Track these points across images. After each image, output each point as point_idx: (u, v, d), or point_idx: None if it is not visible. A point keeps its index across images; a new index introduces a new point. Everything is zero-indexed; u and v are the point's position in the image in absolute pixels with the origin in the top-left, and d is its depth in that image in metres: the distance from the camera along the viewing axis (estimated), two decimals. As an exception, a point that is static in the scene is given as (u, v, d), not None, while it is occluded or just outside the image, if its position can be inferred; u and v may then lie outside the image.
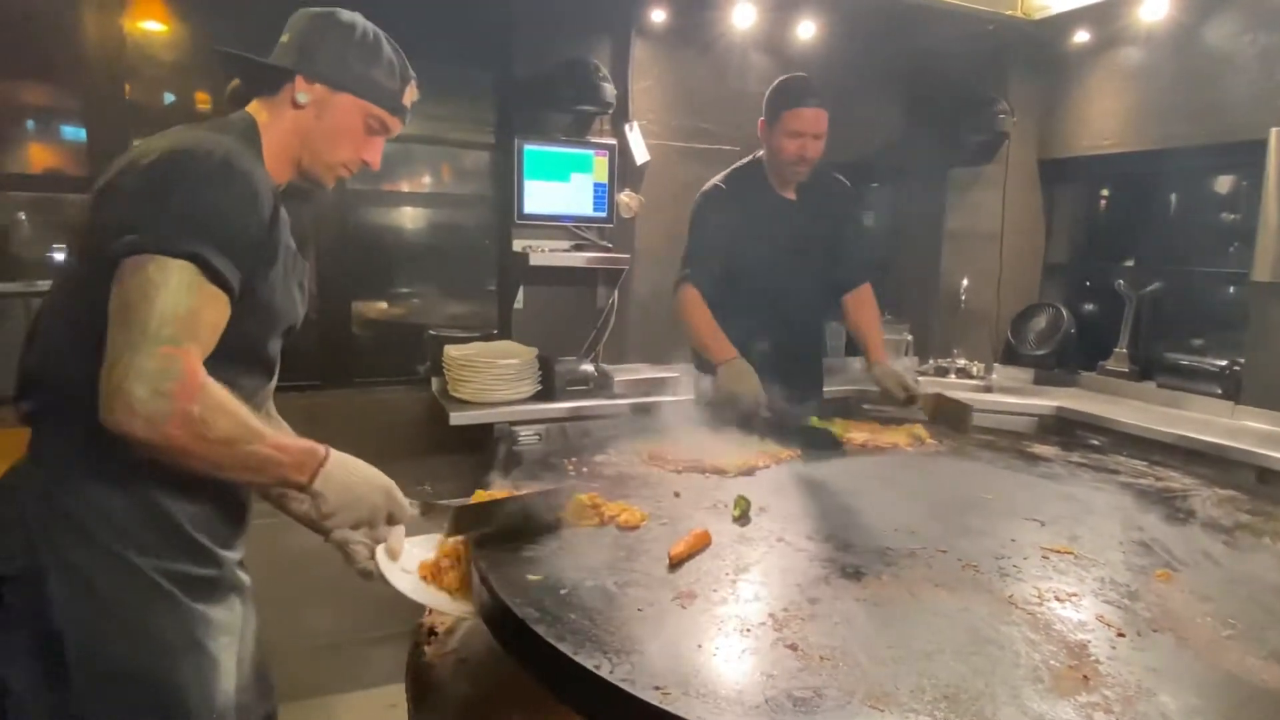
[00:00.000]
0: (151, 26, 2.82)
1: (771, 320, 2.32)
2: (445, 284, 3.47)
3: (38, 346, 1.17)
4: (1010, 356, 3.67)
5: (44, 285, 3.29)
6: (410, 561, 1.40)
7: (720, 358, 2.28)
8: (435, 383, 3.14)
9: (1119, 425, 2.91)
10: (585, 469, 1.77)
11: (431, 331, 3.35)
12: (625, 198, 3.33)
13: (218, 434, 1.04)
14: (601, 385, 3.10)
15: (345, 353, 3.17)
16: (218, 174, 1.10)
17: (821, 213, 2.48)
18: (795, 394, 2.20)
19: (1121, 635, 1.06)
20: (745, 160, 2.53)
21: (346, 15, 1.31)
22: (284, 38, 1.31)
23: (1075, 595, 1.17)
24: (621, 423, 2.88)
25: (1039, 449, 2.02)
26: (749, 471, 1.72)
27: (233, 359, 1.16)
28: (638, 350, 3.48)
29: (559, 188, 3.19)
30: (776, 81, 2.37)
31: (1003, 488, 1.67)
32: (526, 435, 2.96)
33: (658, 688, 0.90)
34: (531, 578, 1.19)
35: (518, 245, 3.19)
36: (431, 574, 1.38)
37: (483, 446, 2.91)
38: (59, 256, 3.31)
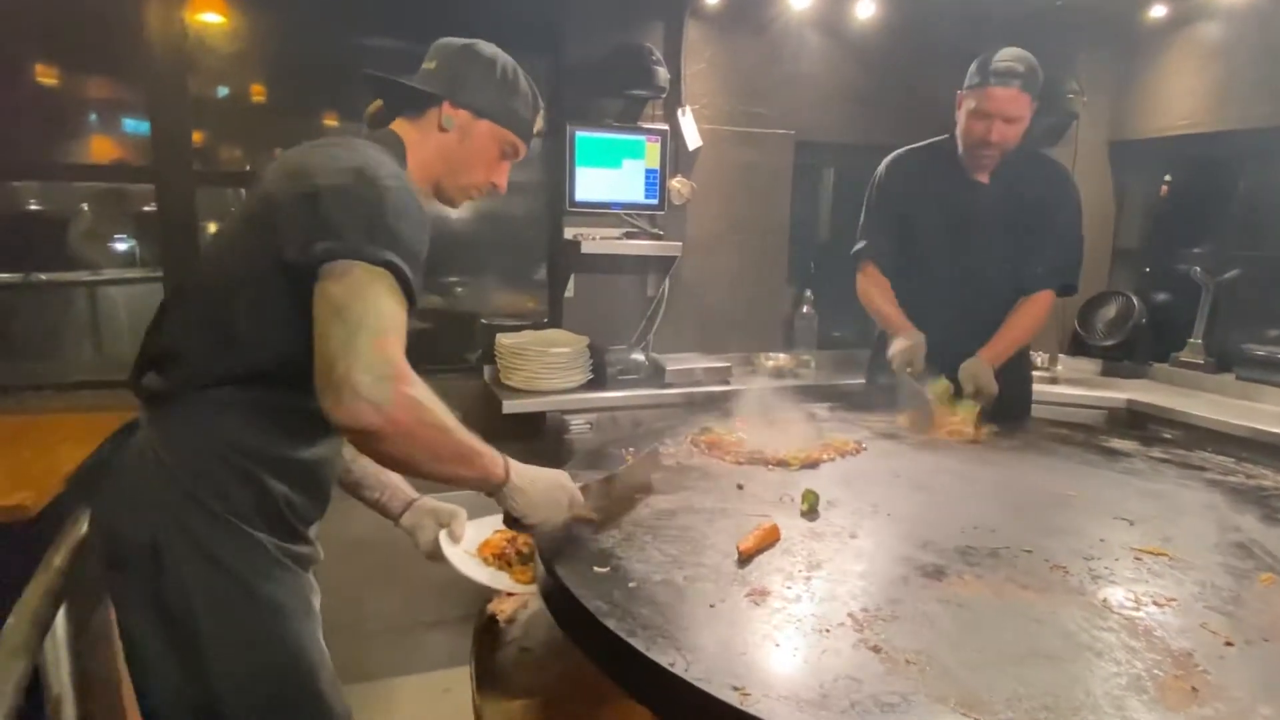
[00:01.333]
0: (212, 19, 2.85)
1: (949, 309, 2.16)
2: (496, 272, 3.47)
3: (173, 329, 1.24)
4: (1077, 347, 3.54)
5: (108, 274, 3.40)
6: (471, 545, 1.47)
7: (894, 329, 2.20)
8: (487, 371, 3.14)
9: (1196, 419, 2.77)
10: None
11: (483, 320, 3.35)
12: (677, 184, 3.27)
13: (434, 418, 1.09)
14: (653, 374, 3.07)
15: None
16: (404, 197, 1.17)
17: (1016, 202, 2.23)
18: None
19: (1230, 644, 0.99)
20: (940, 136, 2.33)
21: (488, 49, 1.40)
22: (429, 64, 1.39)
23: (1174, 600, 1.10)
24: (675, 413, 2.86)
25: (1117, 443, 1.92)
26: (813, 464, 1.67)
27: None
28: (688, 339, 3.43)
29: (610, 174, 3.15)
30: (980, 55, 2.16)
31: (1084, 484, 1.58)
32: (578, 424, 2.95)
33: (737, 688, 0.87)
34: (598, 570, 1.17)
35: (569, 233, 3.16)
36: (492, 555, 1.45)
37: (534, 434, 2.90)
38: (120, 246, 3.41)
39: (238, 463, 1.20)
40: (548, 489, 1.24)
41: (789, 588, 1.11)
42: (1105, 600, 1.09)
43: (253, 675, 1.20)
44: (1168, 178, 3.58)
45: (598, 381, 2.99)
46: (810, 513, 1.37)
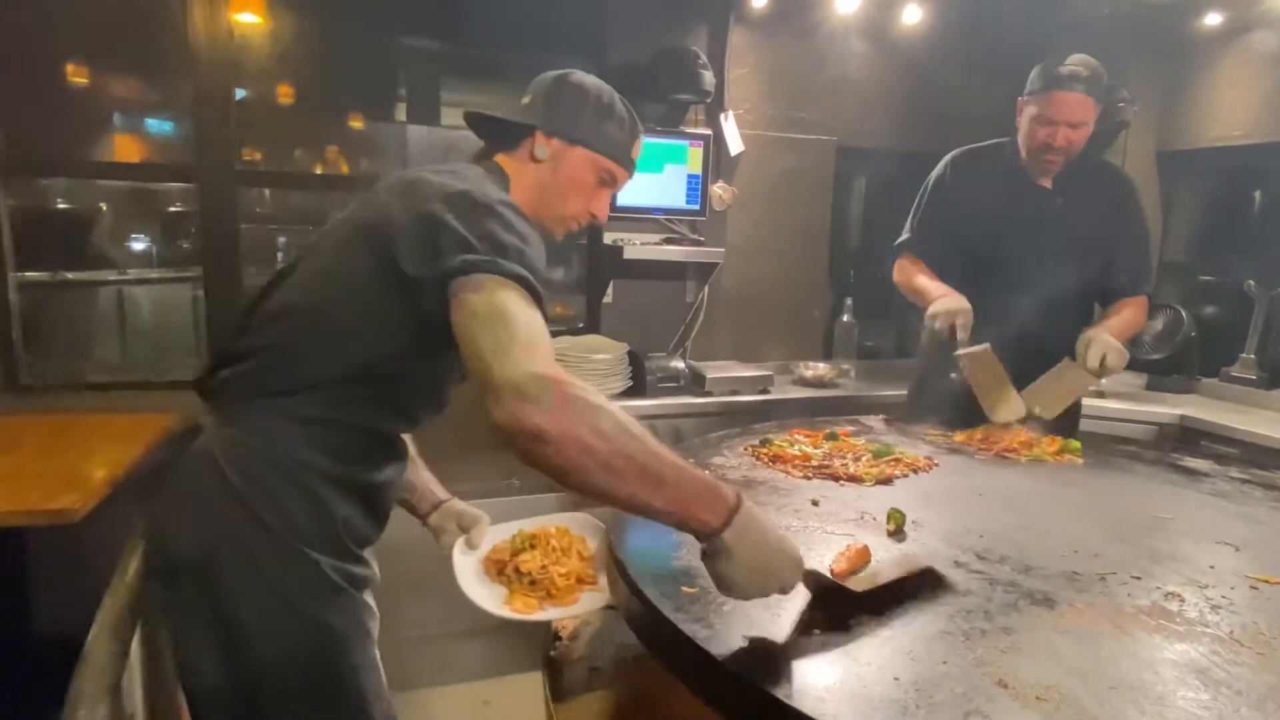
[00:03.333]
0: (252, 19, 2.83)
1: (1011, 316, 2.07)
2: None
3: (260, 329, 1.22)
4: (1122, 360, 3.46)
5: (148, 274, 3.38)
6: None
7: (934, 295, 2.12)
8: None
9: (1254, 436, 2.70)
10: (706, 472, 1.68)
11: (518, 325, 3.32)
12: (718, 190, 3.23)
13: (609, 425, 0.93)
14: (692, 382, 3.01)
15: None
16: (519, 217, 1.17)
17: (1082, 209, 2.18)
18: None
19: (1377, 683, 0.92)
20: (1003, 139, 2.29)
21: (581, 76, 1.39)
22: (525, 100, 1.39)
23: (1305, 634, 1.03)
24: (719, 422, 2.80)
25: (1191, 462, 1.86)
26: (886, 480, 1.61)
27: (422, 390, 1.32)
28: (726, 347, 3.38)
29: (652, 179, 3.11)
30: (1046, 60, 2.13)
31: (1175, 506, 1.52)
32: (617, 432, 2.90)
33: (864, 726, 0.81)
34: (686, 590, 1.12)
35: (609, 238, 3.12)
36: (498, 569, 1.41)
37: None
38: (138, 246, 3.38)
39: (302, 479, 1.17)
40: (774, 563, 0.99)
41: (893, 614, 1.05)
42: (1232, 632, 1.03)
43: (303, 699, 1.17)
44: (1233, 186, 3.48)
45: (637, 389, 2.94)
46: (897, 533, 1.32)
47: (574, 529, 1.52)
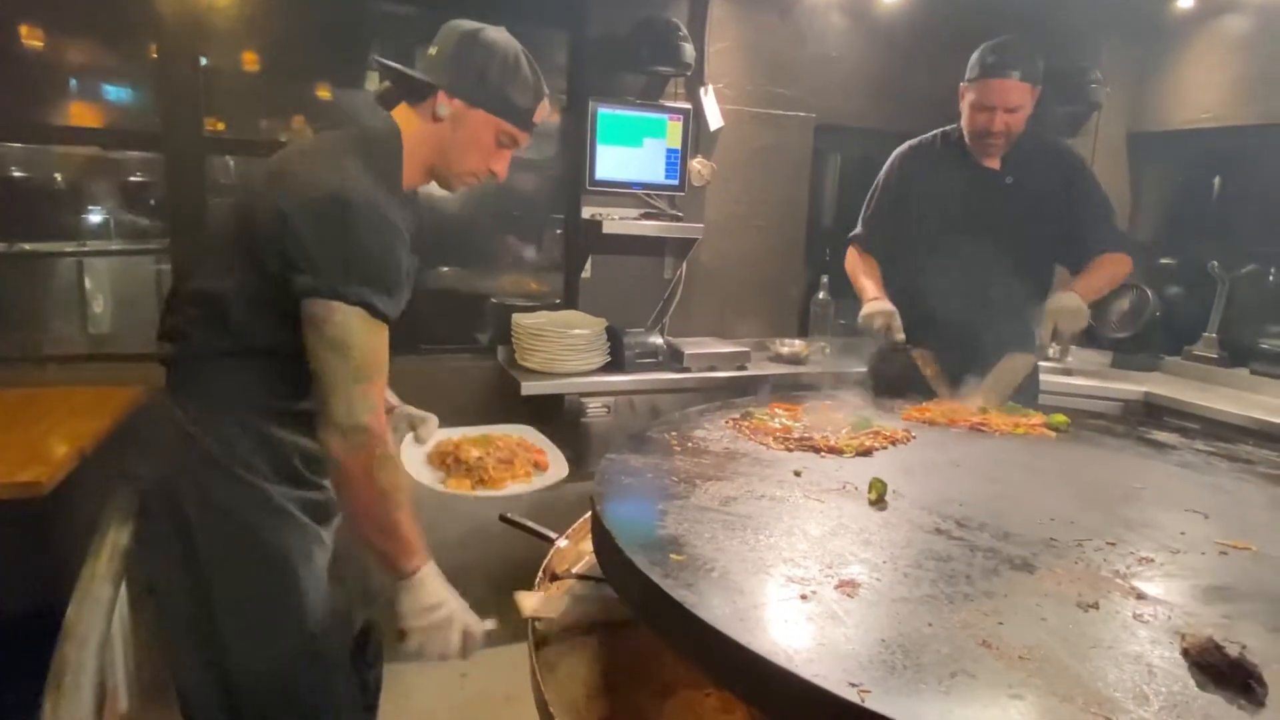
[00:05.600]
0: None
1: (968, 296, 2.12)
2: (508, 252, 3.40)
3: (183, 308, 1.35)
4: (1089, 338, 3.53)
5: (111, 245, 3.27)
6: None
7: (867, 298, 2.24)
8: (501, 351, 3.08)
9: (1214, 413, 2.78)
10: (689, 444, 1.69)
11: (494, 300, 3.28)
12: (698, 165, 3.22)
13: (382, 483, 1.24)
14: (671, 358, 3.02)
15: (411, 320, 3.10)
16: (375, 224, 1.25)
17: (1032, 184, 2.24)
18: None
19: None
20: (949, 127, 2.34)
21: (491, 35, 1.40)
22: (432, 50, 1.40)
23: (1271, 595, 1.07)
24: (696, 397, 2.81)
25: (1160, 435, 1.91)
26: (866, 452, 1.63)
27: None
28: (703, 323, 3.39)
29: (631, 153, 3.09)
30: (981, 46, 2.16)
31: (1146, 477, 1.56)
32: (594, 407, 2.90)
33: (854, 684, 0.83)
34: (675, 557, 1.12)
35: (587, 212, 3.10)
36: (440, 461, 1.63)
37: (552, 417, 2.85)
38: (95, 218, 3.28)
39: (242, 417, 1.33)
40: (448, 611, 1.32)
41: (878, 579, 1.06)
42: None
43: (248, 611, 1.32)
44: (1199, 168, 3.55)
45: (615, 364, 2.94)
46: (879, 502, 1.33)
47: (529, 439, 1.79)
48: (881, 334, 2.16)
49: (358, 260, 1.22)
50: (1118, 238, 2.31)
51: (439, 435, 1.73)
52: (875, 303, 2.22)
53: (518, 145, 1.47)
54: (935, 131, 2.38)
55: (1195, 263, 3.38)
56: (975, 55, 2.18)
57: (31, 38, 2.73)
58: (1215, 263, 3.21)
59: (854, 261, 2.41)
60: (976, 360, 2.16)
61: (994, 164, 2.27)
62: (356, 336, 1.22)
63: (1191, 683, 0.86)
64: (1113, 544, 1.20)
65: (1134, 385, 3.10)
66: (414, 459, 1.62)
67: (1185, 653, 0.91)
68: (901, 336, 2.14)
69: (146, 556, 1.34)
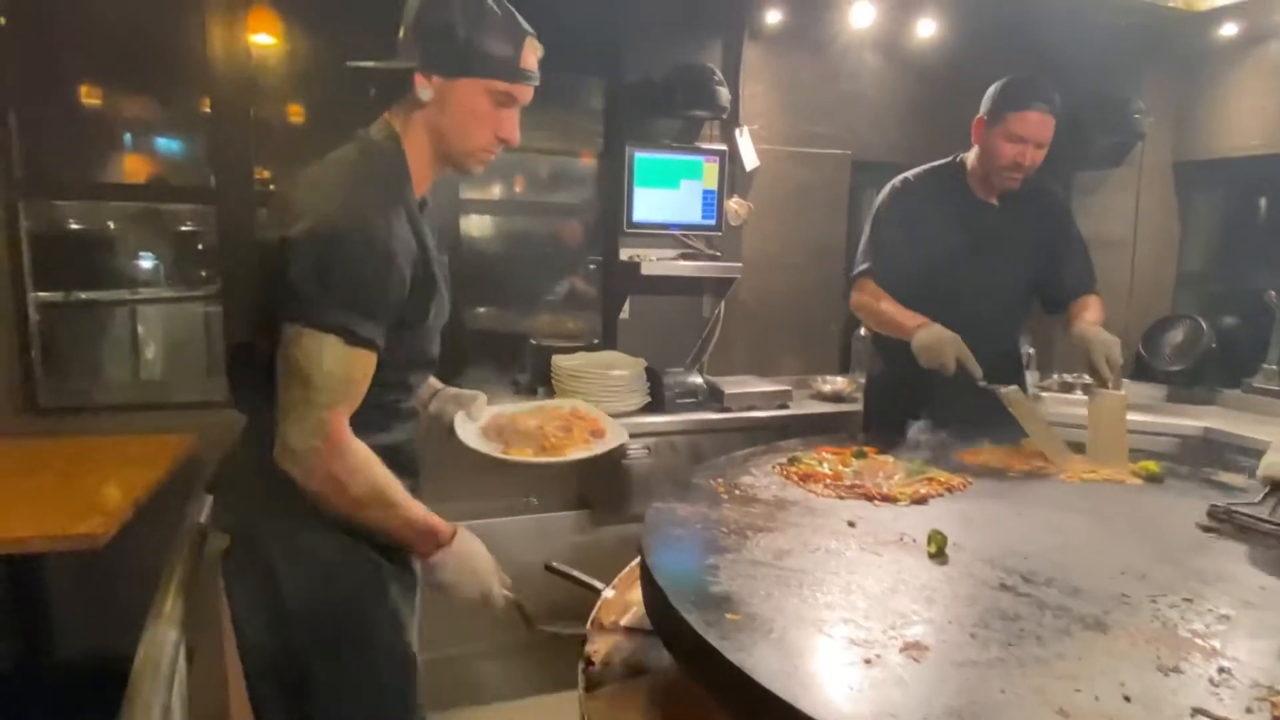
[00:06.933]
0: (270, 41, 2.83)
1: (962, 332, 2.09)
2: (548, 292, 3.42)
3: (243, 352, 1.33)
4: (1141, 372, 3.44)
5: (147, 292, 3.37)
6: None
7: (913, 325, 2.12)
8: (541, 392, 3.08)
9: (1280, 449, 2.67)
10: (737, 491, 1.66)
11: (533, 340, 3.30)
12: (734, 205, 3.22)
13: (353, 494, 1.22)
14: (711, 397, 3.00)
15: (451, 360, 3.14)
16: (358, 248, 1.19)
17: (1029, 222, 2.27)
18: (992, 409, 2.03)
19: None
20: (945, 160, 2.35)
21: None
22: (400, 33, 1.29)
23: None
24: (738, 437, 2.78)
25: (1226, 477, 1.83)
26: (921, 500, 1.59)
27: (404, 366, 1.36)
28: (742, 361, 3.37)
29: (668, 195, 3.11)
30: (1004, 79, 2.18)
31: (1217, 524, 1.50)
32: (635, 449, 2.88)
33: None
34: (730, 617, 1.10)
35: (625, 254, 3.11)
36: (497, 434, 1.61)
37: (589, 458, 2.83)
38: (147, 264, 3.38)
39: None
40: (479, 573, 1.33)
41: (944, 640, 1.03)
42: (1292, 658, 1.00)
43: (326, 650, 1.30)
44: (1252, 196, 3.47)
45: (655, 405, 2.93)
46: (939, 555, 1.30)
47: (582, 409, 1.78)
48: (951, 370, 2.02)
49: (335, 285, 1.16)
50: (1095, 276, 2.36)
51: (490, 411, 1.69)
52: (930, 330, 2.07)
53: (518, 101, 1.31)
54: (930, 165, 2.37)
55: (1249, 292, 3.27)
56: (1006, 85, 2.16)
57: (90, 96, 2.85)
58: (1273, 291, 3.11)
59: (869, 297, 2.31)
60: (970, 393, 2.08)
61: (993, 200, 2.28)
62: (322, 362, 1.17)
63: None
64: (1189, 600, 1.15)
65: (1193, 420, 3.00)
66: (469, 434, 1.59)
67: (1279, 723, 0.86)
68: (980, 372, 2.01)
69: (230, 595, 1.33)
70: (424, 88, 1.25)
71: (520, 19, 1.29)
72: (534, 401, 1.81)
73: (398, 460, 1.35)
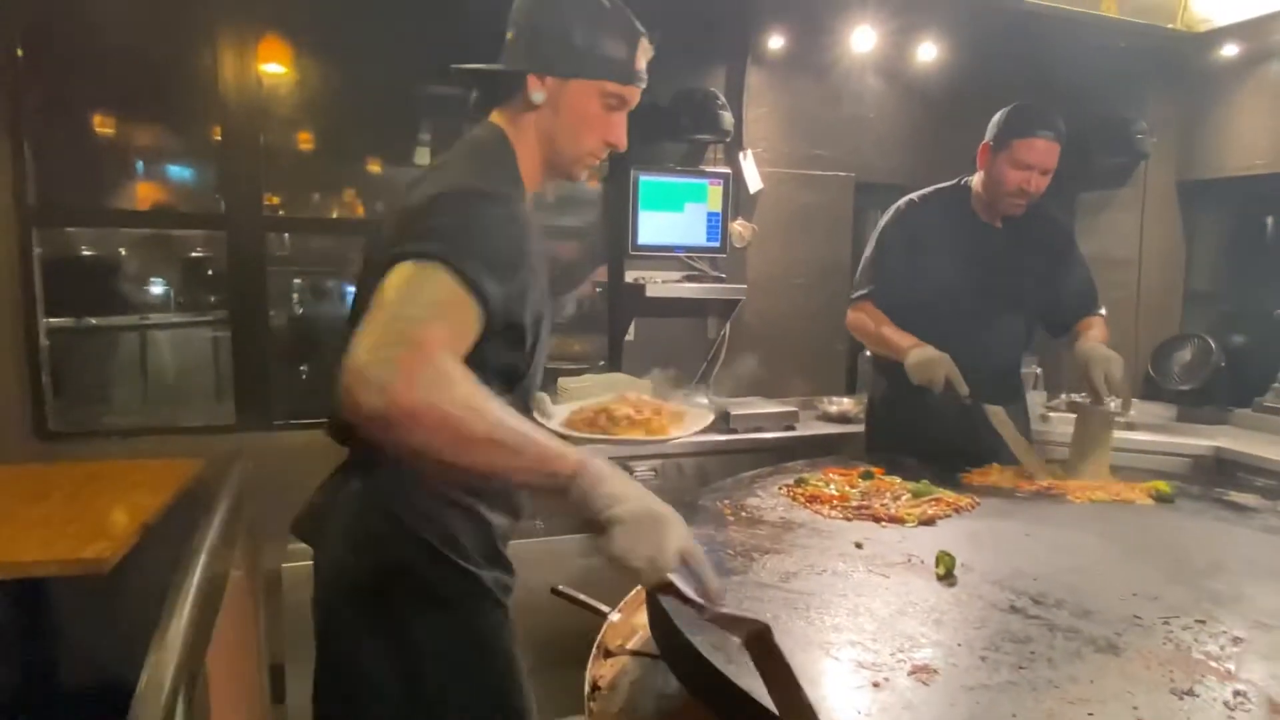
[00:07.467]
0: (280, 70, 2.88)
1: (962, 353, 2.09)
2: (554, 315, 3.44)
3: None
4: (1151, 391, 3.42)
5: (156, 317, 3.40)
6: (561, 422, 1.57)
7: (906, 346, 2.13)
8: (548, 415, 3.08)
9: (1294, 468, 2.64)
10: (743, 513, 1.66)
11: (539, 363, 3.31)
12: (738, 227, 3.24)
13: (454, 422, 0.87)
14: (718, 419, 2.99)
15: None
16: (484, 202, 1.09)
17: (1032, 245, 2.27)
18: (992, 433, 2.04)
19: None
20: (950, 183, 2.36)
21: None
22: (509, 34, 1.25)
23: (1385, 680, 0.99)
24: (744, 459, 2.77)
25: (1239, 497, 1.81)
26: (929, 521, 1.58)
27: (496, 376, 1.17)
28: (747, 383, 3.35)
29: (673, 218, 3.13)
30: (1010, 106, 2.19)
31: (1228, 544, 1.48)
32: (642, 471, 2.87)
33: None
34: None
35: (630, 276, 3.13)
36: (589, 424, 1.55)
37: (598, 482, 2.82)
38: (157, 290, 3.41)
39: (457, 497, 1.20)
40: (650, 505, 0.94)
41: (954, 664, 1.01)
42: (1309, 681, 0.99)
43: (467, 707, 1.21)
44: (1260, 214, 3.47)
45: (661, 427, 2.92)
46: (948, 577, 1.28)
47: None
48: (939, 388, 2.04)
49: (449, 229, 1.03)
50: (1098, 298, 2.36)
51: (566, 408, 1.64)
52: (923, 350, 2.09)
53: (628, 105, 1.27)
54: (935, 187, 2.38)
55: (1258, 310, 3.27)
56: (1013, 113, 2.17)
57: (103, 124, 2.89)
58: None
59: (866, 318, 2.32)
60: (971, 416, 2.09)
61: (997, 224, 2.28)
62: (414, 284, 0.97)
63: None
64: (1202, 621, 1.13)
65: (1204, 440, 2.97)
66: (556, 427, 1.52)
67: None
68: (966, 390, 2.03)
69: (345, 655, 1.20)
70: (537, 89, 1.21)
71: (634, 18, 1.25)
72: (595, 392, 1.78)
73: (516, 500, 1.29)
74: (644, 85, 1.28)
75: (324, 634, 1.23)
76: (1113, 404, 2.09)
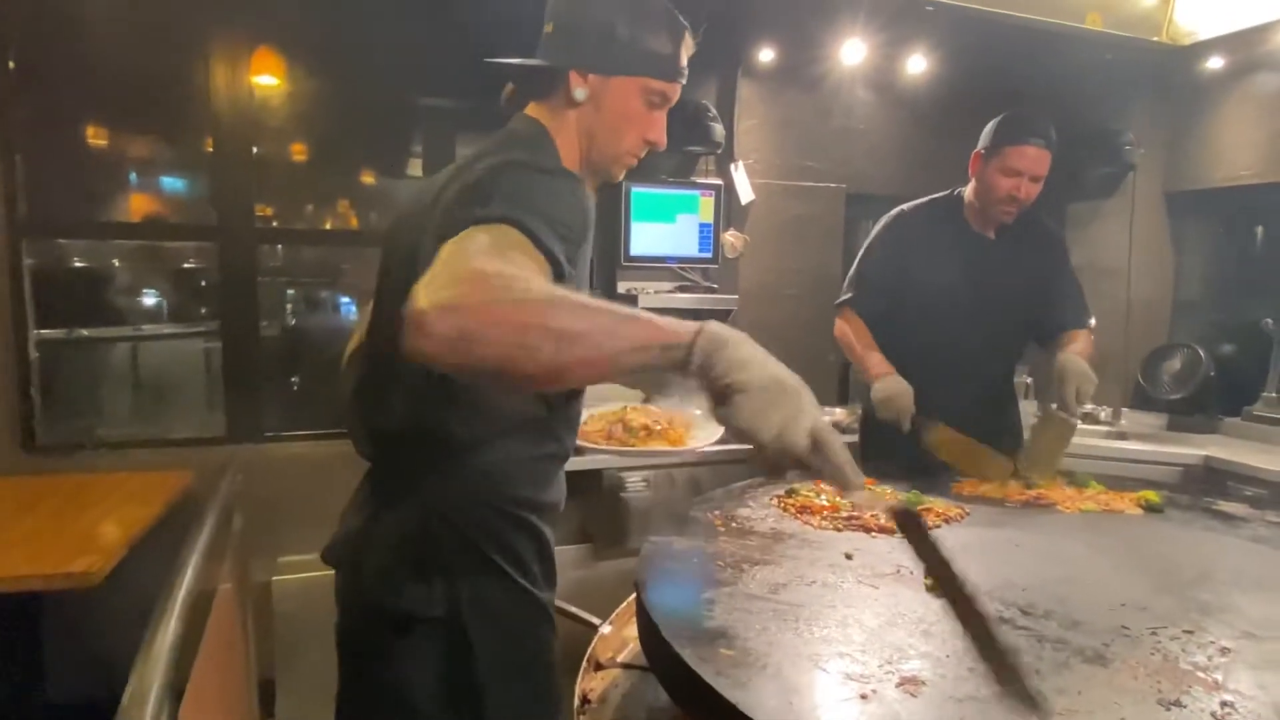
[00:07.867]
0: (273, 82, 2.89)
1: (955, 362, 2.13)
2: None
3: (399, 395, 1.15)
4: (1141, 401, 3.43)
5: (148, 329, 3.39)
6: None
7: (874, 374, 2.17)
8: (540, 427, 3.08)
9: (1281, 477, 2.66)
10: (734, 524, 1.66)
11: (531, 375, 3.31)
12: (730, 237, 3.26)
13: (533, 290, 0.81)
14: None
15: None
16: (546, 173, 1.06)
17: (1024, 255, 2.29)
18: (986, 441, 2.05)
19: None
20: (943, 193, 2.38)
21: None
22: (547, 27, 1.21)
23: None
24: (738, 470, 2.77)
25: (1228, 507, 1.82)
26: (919, 531, 1.58)
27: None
28: (741, 394, 3.37)
29: (665, 229, 3.14)
30: (1001, 115, 2.21)
31: (1216, 554, 1.49)
32: (634, 481, 2.87)
33: (925, 799, 0.78)
34: (725, 652, 1.08)
35: (622, 287, 3.13)
36: (606, 436, 1.59)
37: (589, 492, 2.82)
38: (150, 301, 3.41)
39: (520, 515, 1.19)
40: (778, 373, 0.89)
41: (942, 675, 1.01)
42: (1295, 691, 0.99)
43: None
44: (1246, 225, 3.50)
45: (654, 438, 2.92)
46: (936, 588, 1.28)
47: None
48: (906, 425, 2.09)
49: (514, 196, 0.97)
50: (1087, 311, 2.37)
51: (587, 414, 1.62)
52: (890, 381, 2.15)
53: (670, 102, 1.24)
54: (928, 198, 2.40)
55: (1246, 320, 3.29)
56: (1004, 121, 2.19)
57: (95, 136, 2.89)
58: (1269, 320, 3.12)
59: (847, 329, 2.35)
60: (984, 427, 2.11)
61: (990, 234, 2.29)
62: (486, 240, 0.89)
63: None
64: (1190, 632, 1.14)
65: (1193, 449, 2.98)
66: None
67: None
68: (908, 426, 2.08)
69: (396, 681, 1.17)
70: (580, 86, 1.18)
71: (677, 13, 1.21)
72: (605, 406, 1.77)
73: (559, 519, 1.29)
74: (685, 81, 1.25)
75: (360, 657, 1.21)
76: (1075, 420, 2.10)
